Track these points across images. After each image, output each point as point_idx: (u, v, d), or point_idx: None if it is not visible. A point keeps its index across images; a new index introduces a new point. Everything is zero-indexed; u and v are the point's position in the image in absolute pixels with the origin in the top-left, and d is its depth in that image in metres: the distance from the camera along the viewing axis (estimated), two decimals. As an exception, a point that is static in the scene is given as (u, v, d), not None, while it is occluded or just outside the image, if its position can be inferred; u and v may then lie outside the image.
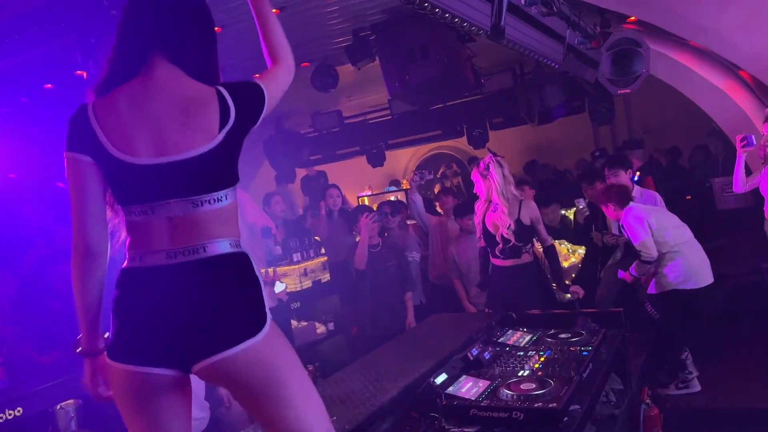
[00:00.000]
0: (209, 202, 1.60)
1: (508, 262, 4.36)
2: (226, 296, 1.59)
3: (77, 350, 1.71)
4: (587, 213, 6.01)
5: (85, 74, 5.14)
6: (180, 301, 1.57)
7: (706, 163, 8.16)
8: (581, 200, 6.12)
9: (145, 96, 1.61)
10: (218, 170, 1.63)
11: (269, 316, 1.63)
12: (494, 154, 4.39)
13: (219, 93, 1.65)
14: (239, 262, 1.64)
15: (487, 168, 4.28)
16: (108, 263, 1.65)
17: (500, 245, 4.30)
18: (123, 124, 1.58)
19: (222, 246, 1.61)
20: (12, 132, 5.90)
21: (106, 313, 1.67)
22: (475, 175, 4.43)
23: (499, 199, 4.27)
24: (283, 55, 1.84)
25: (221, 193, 1.62)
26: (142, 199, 1.59)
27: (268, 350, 1.60)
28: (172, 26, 1.67)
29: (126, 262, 1.64)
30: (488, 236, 4.39)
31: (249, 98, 1.70)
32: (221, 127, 1.61)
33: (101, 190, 1.63)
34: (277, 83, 1.80)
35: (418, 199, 6.01)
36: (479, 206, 4.47)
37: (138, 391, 1.59)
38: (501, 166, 4.31)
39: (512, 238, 4.26)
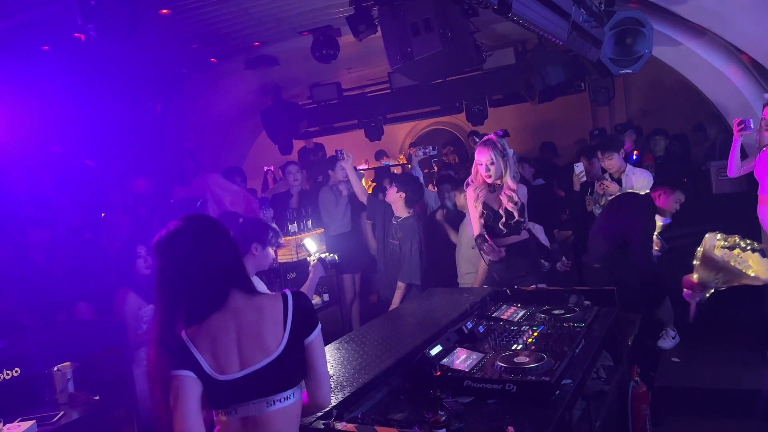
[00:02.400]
0: (280, 401, 1.95)
1: (509, 240, 4.33)
2: None
3: None
4: (584, 179, 6.10)
5: (83, 37, 5.08)
6: None
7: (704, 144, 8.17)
8: (579, 165, 6.18)
9: (227, 325, 1.95)
10: (286, 371, 1.96)
11: None
12: (502, 135, 4.32)
13: (285, 298, 2.02)
14: None
15: (505, 149, 4.22)
16: None
17: (504, 218, 4.26)
18: (215, 349, 1.93)
19: None
20: (7, 94, 5.83)
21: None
22: (485, 154, 4.24)
23: (510, 181, 4.24)
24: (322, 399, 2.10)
25: (289, 392, 1.97)
26: (227, 404, 1.95)
27: None
28: (242, 266, 2.06)
29: None
30: (492, 213, 4.33)
31: (306, 312, 2.04)
32: (284, 329, 1.97)
33: (200, 399, 1.93)
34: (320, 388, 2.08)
35: (418, 173, 6.02)
36: (481, 188, 4.34)
37: None
38: (508, 148, 4.30)
39: (516, 214, 4.25)
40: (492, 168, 4.23)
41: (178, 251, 1.95)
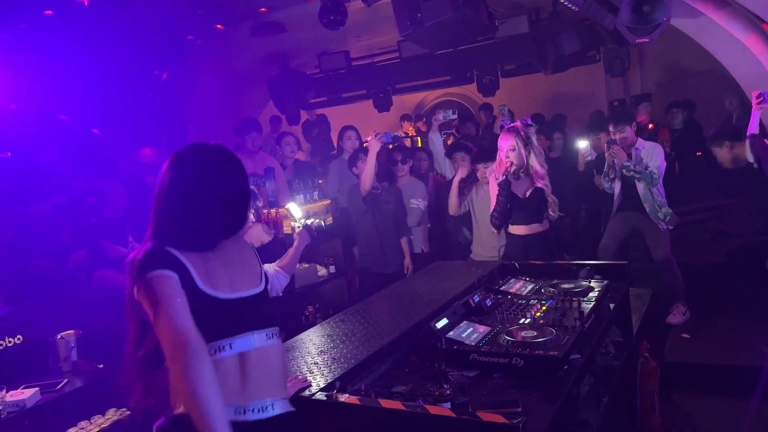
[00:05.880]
0: (276, 335, 1.88)
1: (528, 229, 4.26)
2: None
3: None
4: (589, 158, 5.98)
5: (86, 1, 4.98)
6: None
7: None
8: (585, 142, 6.07)
9: (215, 254, 1.84)
10: (271, 307, 1.96)
11: None
12: (529, 123, 4.29)
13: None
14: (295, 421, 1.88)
15: (530, 138, 4.20)
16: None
17: (525, 204, 4.23)
18: (204, 264, 1.78)
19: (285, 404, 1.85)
20: (12, 60, 5.75)
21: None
22: (508, 140, 4.19)
23: (539, 169, 4.22)
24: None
25: (277, 329, 1.90)
26: (221, 333, 1.74)
27: None
28: (237, 214, 1.93)
29: None
30: (515, 201, 4.28)
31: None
32: (261, 272, 1.98)
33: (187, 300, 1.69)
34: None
35: (437, 138, 5.92)
36: (501, 169, 4.24)
37: None
38: (534, 134, 4.28)
39: (549, 201, 4.23)
40: (512, 154, 4.18)
41: (199, 166, 1.85)
